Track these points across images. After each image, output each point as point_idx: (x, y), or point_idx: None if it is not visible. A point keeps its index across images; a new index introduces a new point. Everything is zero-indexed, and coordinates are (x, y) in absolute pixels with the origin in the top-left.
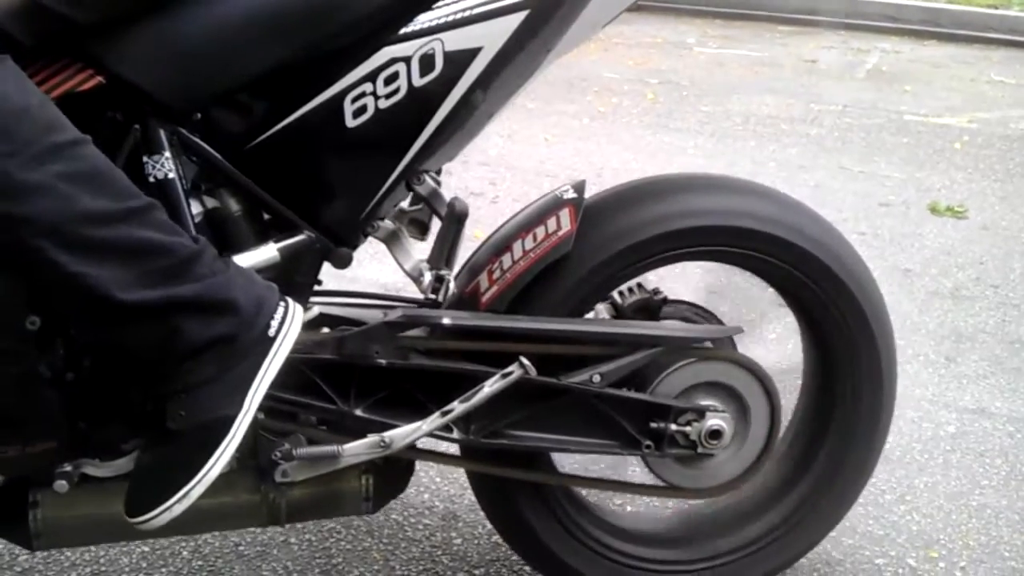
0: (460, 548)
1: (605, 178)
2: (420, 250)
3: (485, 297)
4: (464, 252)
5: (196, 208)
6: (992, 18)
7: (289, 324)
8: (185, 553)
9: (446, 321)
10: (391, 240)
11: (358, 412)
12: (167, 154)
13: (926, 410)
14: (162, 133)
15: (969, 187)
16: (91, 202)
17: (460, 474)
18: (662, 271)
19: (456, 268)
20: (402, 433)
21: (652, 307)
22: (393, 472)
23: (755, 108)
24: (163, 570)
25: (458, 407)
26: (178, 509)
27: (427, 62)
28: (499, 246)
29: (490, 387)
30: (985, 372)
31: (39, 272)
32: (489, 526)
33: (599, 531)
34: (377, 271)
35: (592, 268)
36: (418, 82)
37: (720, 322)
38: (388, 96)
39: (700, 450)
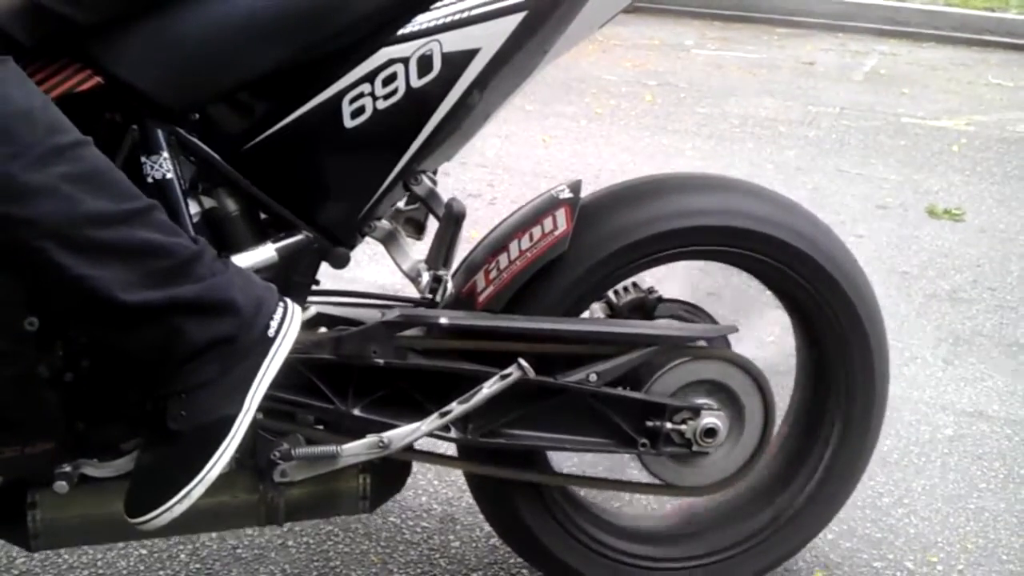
0: (458, 551)
1: (603, 180)
2: (418, 250)
3: (482, 297)
4: (462, 253)
5: (194, 208)
6: (990, 21)
7: (288, 324)
8: (183, 556)
9: (443, 321)
10: (388, 240)
11: (356, 412)
12: (165, 154)
13: (924, 413)
14: (160, 133)
15: (967, 190)
16: (93, 203)
17: (458, 477)
18: (660, 270)
19: (453, 268)
20: (401, 433)
21: (647, 306)
22: (390, 472)
23: (753, 110)
24: (160, 573)
25: (456, 408)
26: (179, 509)
27: (425, 63)
28: (495, 246)
29: (489, 388)
30: (983, 375)
31: (41, 273)
32: (487, 529)
33: (596, 529)
34: (375, 272)
35: (588, 268)
36: (416, 83)
37: (714, 321)
38: (386, 97)
39: (695, 448)
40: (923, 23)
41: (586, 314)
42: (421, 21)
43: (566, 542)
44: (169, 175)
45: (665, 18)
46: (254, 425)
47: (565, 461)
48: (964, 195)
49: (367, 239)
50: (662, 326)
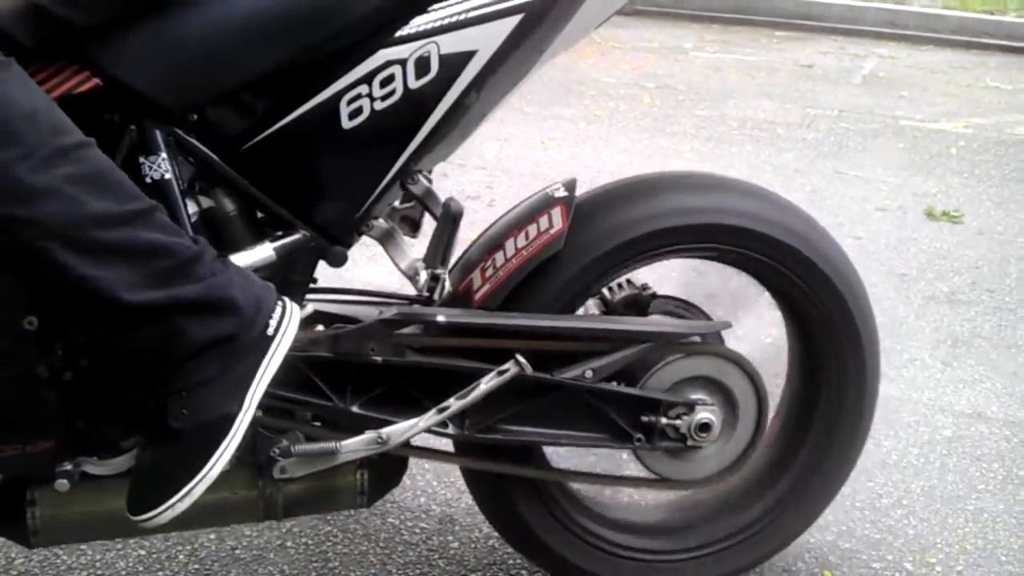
0: (457, 552)
1: (601, 182)
2: (415, 249)
3: (478, 294)
4: (459, 252)
5: (191, 208)
6: (988, 24)
7: (287, 323)
8: (181, 557)
9: (440, 318)
10: (386, 239)
11: (354, 409)
12: (163, 155)
13: (922, 414)
14: (158, 134)
15: (965, 192)
16: (97, 204)
17: (456, 478)
18: (658, 271)
19: (450, 267)
20: (399, 430)
21: (641, 302)
22: (387, 467)
23: (751, 113)
24: (159, 574)
25: (454, 404)
26: (181, 507)
27: (423, 65)
28: (491, 244)
29: (486, 384)
30: (981, 376)
31: (45, 274)
32: (486, 530)
33: (592, 522)
34: (373, 273)
35: (584, 266)
36: (414, 84)
37: (708, 317)
38: (384, 98)
39: (690, 443)
40: (922, 26)
41: (581, 311)
42: (419, 23)
43: (563, 536)
44: (168, 175)
45: (664, 21)
46: (253, 422)
47: (561, 456)
48: (962, 197)
49: (365, 241)
50: (657, 323)
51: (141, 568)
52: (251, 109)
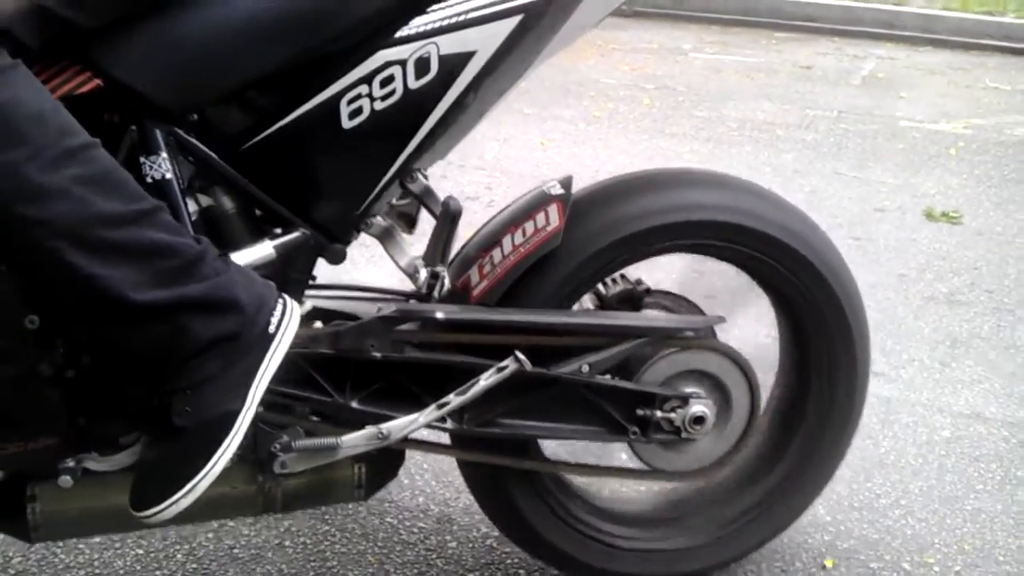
0: (455, 551)
1: None
2: (414, 247)
3: (476, 291)
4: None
5: (191, 207)
6: (988, 25)
7: (288, 321)
8: (179, 556)
9: (439, 315)
10: (385, 237)
11: (354, 404)
12: (164, 155)
13: (921, 415)
14: (158, 134)
15: (964, 193)
16: (104, 205)
17: (455, 477)
18: (657, 273)
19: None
20: (399, 425)
21: (635, 297)
22: (385, 461)
23: (751, 114)
24: (157, 573)
25: (454, 399)
26: (185, 503)
27: (423, 65)
28: (488, 241)
29: (486, 380)
30: (980, 377)
31: (53, 273)
32: (484, 529)
33: (588, 515)
34: (373, 275)
35: (580, 262)
36: (414, 84)
37: (701, 312)
38: (384, 98)
39: (684, 435)
40: (921, 27)
41: (576, 306)
42: (418, 24)
43: (558, 527)
44: (168, 175)
45: (663, 22)
46: (254, 418)
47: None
48: (961, 198)
49: (365, 242)
50: (652, 318)
51: (139, 567)
52: (251, 109)
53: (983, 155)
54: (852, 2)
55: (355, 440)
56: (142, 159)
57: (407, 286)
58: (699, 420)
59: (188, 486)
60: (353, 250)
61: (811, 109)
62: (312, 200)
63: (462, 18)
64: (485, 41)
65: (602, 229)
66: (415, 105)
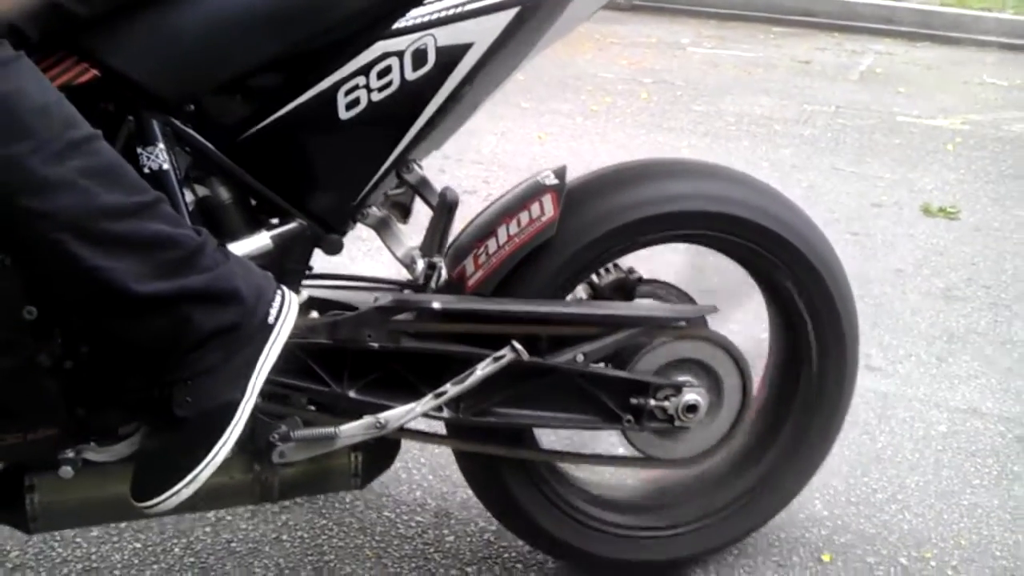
0: (452, 545)
1: None
2: (411, 238)
3: (471, 281)
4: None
5: (188, 197)
6: (985, 21)
7: (287, 311)
8: (177, 550)
9: (436, 305)
10: (381, 227)
11: (351, 394)
12: (160, 145)
13: (917, 410)
14: (155, 124)
15: (961, 188)
16: (108, 196)
17: (453, 472)
18: (659, 268)
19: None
20: (397, 414)
21: (628, 286)
22: (381, 449)
23: (749, 108)
24: (155, 567)
25: (451, 389)
26: (186, 493)
27: (420, 57)
28: (483, 231)
29: (483, 370)
30: (976, 372)
31: (56, 266)
32: (482, 524)
33: (584, 503)
34: (371, 268)
35: (575, 252)
36: (411, 76)
37: (693, 301)
38: (381, 89)
39: (677, 423)
40: (919, 23)
41: (570, 296)
42: (416, 15)
43: (554, 515)
44: (166, 166)
45: (662, 16)
46: (253, 408)
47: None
48: (959, 193)
49: (362, 236)
50: (646, 307)
51: (136, 561)
52: (249, 99)
53: (980, 151)
54: None
55: (353, 429)
56: (139, 150)
57: (404, 277)
58: (692, 408)
59: (189, 476)
60: (351, 244)
61: (809, 104)
62: (309, 190)
63: (459, 10)
64: (482, 33)
65: (596, 219)
66: (412, 96)
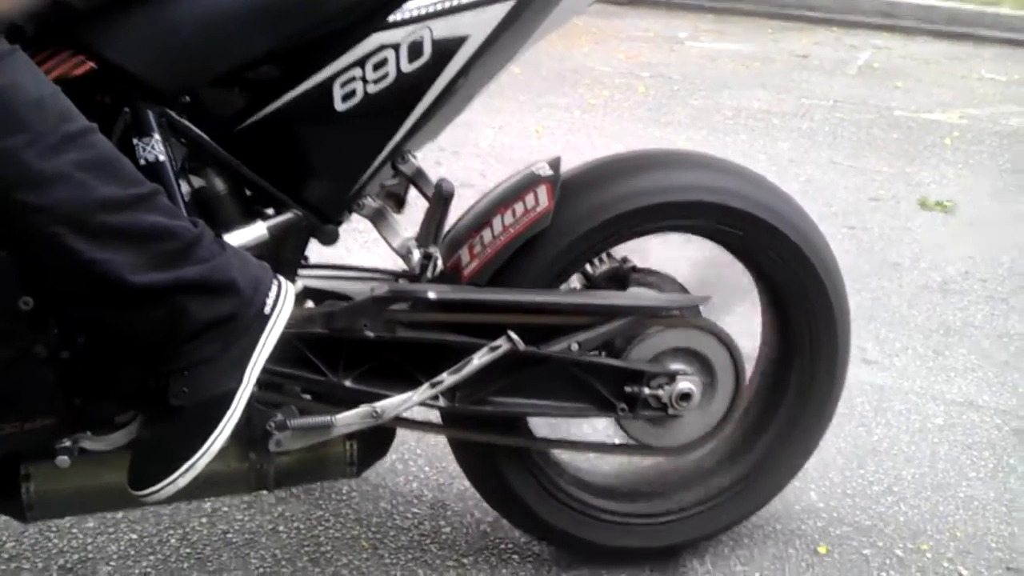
0: (449, 536)
1: None
2: (406, 228)
3: (467, 271)
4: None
5: (184, 188)
6: (984, 16)
7: (283, 301)
8: (173, 541)
9: (431, 295)
10: (376, 218)
11: (347, 383)
12: (156, 136)
13: (914, 403)
14: (151, 116)
15: (959, 182)
16: (104, 189)
17: (449, 463)
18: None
19: None
20: (393, 403)
21: (621, 275)
22: (376, 438)
23: (746, 103)
24: (151, 557)
25: (447, 378)
26: (183, 482)
27: (416, 49)
28: (478, 222)
29: (479, 360)
30: (973, 365)
31: (53, 259)
32: (478, 515)
33: (578, 490)
34: (367, 259)
35: (569, 242)
36: (406, 68)
37: (685, 290)
38: (377, 81)
39: (671, 411)
40: (918, 17)
41: (564, 285)
42: (411, 8)
43: (550, 503)
44: (162, 157)
45: (659, 10)
46: (250, 398)
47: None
48: (956, 188)
49: (358, 228)
50: (639, 296)
51: (132, 552)
52: (245, 91)
53: (978, 145)
54: None
55: (349, 418)
56: (135, 141)
57: (400, 267)
58: (686, 396)
59: (186, 465)
60: (347, 235)
61: (807, 98)
62: (305, 181)
63: (455, 3)
64: (478, 26)
65: (591, 210)
66: (408, 89)
